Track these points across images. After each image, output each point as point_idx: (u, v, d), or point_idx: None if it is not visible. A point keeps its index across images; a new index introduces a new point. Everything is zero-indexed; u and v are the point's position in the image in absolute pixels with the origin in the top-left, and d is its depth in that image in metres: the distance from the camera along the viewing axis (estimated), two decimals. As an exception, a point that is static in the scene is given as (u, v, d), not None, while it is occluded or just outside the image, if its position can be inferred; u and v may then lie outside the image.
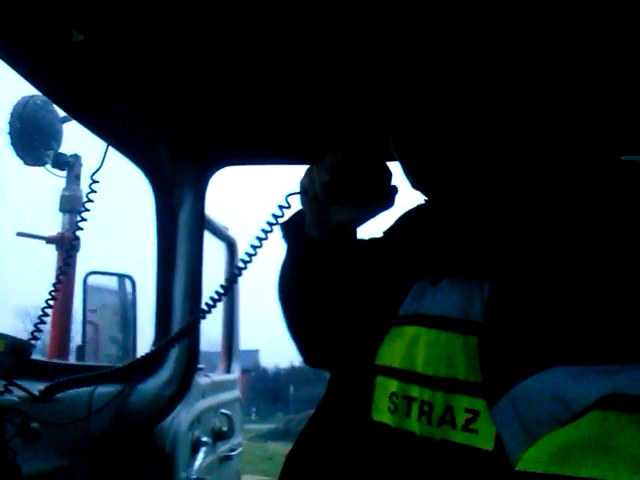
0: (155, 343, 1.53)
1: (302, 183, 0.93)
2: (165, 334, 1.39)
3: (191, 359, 1.43)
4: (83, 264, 3.43)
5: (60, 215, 3.75)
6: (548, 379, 0.59)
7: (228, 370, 2.64)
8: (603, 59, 0.98)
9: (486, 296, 0.70)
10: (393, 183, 0.91)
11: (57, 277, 1.31)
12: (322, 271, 0.95)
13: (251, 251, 0.93)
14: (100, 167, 1.19)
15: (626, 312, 0.59)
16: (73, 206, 3.66)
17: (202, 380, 1.99)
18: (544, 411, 0.58)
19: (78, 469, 1.17)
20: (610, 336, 0.58)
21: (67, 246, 3.53)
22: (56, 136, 3.55)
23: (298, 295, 0.99)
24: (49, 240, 3.73)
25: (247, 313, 2.91)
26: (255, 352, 28.96)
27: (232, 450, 2.23)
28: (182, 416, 1.65)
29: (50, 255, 3.68)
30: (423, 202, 0.93)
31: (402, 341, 0.76)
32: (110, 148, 1.21)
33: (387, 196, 0.91)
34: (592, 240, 0.65)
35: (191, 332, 1.37)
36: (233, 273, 0.95)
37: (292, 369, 31.19)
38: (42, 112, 3.37)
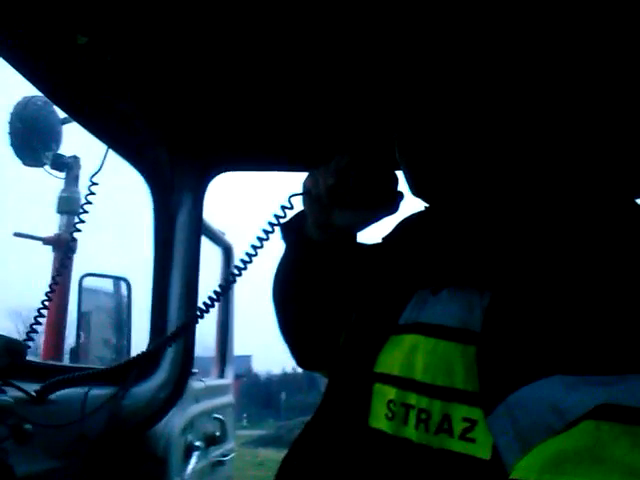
0: (150, 347, 1.52)
1: (306, 184, 0.92)
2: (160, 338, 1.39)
3: (186, 363, 1.43)
4: (79, 266, 3.42)
5: (58, 216, 3.75)
6: (544, 388, 0.59)
7: (222, 375, 2.64)
8: (620, 78, 0.99)
9: (485, 306, 0.70)
10: (399, 189, 0.90)
11: (53, 278, 1.31)
12: (320, 273, 0.95)
13: (251, 251, 0.92)
14: (100, 169, 1.19)
15: (622, 323, 0.59)
16: (71, 208, 3.66)
17: (196, 384, 1.99)
18: (539, 420, 0.58)
19: (71, 471, 1.16)
20: (606, 347, 0.58)
21: (64, 247, 3.52)
22: (56, 137, 3.55)
23: (294, 296, 0.99)
24: (46, 241, 3.72)
25: (240, 319, 2.91)
26: (248, 358, 28.86)
27: (224, 455, 2.22)
28: (175, 420, 1.64)
29: (46, 256, 3.68)
30: (423, 209, 0.93)
31: (401, 349, 0.76)
32: (109, 151, 1.22)
33: (392, 202, 0.90)
34: (590, 252, 0.66)
35: (187, 332, 1.37)
36: (232, 273, 0.95)
37: (284, 376, 31.11)
38: (42, 113, 3.37)
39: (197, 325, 1.43)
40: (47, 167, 3.64)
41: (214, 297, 0.97)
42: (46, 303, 1.17)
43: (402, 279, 0.85)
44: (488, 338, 0.67)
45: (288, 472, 0.85)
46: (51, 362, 1.67)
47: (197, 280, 1.46)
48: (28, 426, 1.02)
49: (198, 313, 0.98)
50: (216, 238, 2.45)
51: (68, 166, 3.71)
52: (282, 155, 1.46)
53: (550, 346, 0.61)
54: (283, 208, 0.91)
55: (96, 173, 1.19)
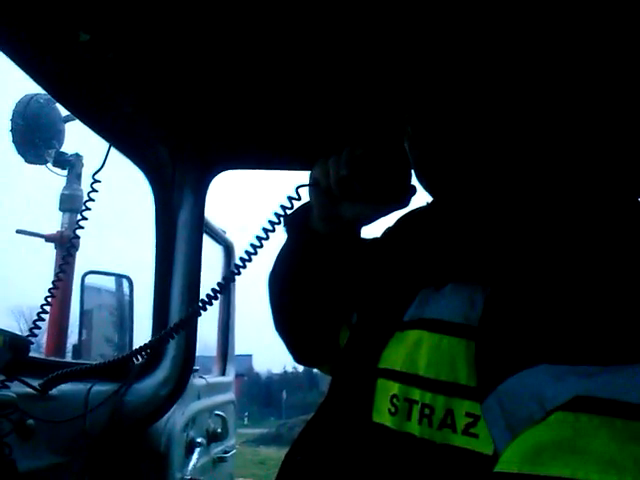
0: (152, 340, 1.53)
1: (314, 175, 0.90)
2: (162, 335, 1.39)
3: (187, 360, 1.43)
4: (81, 263, 3.43)
5: (60, 214, 3.76)
6: (530, 377, 0.59)
7: (223, 373, 2.64)
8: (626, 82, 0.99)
9: None
10: (412, 183, 0.87)
11: (56, 275, 1.32)
12: (321, 265, 0.94)
13: (256, 242, 0.91)
14: (102, 167, 1.20)
15: (613, 316, 0.59)
16: (73, 205, 3.67)
17: (197, 381, 2.00)
18: (524, 409, 0.58)
19: (73, 467, 1.17)
20: (594, 338, 0.58)
21: (66, 245, 3.53)
22: (58, 135, 3.56)
23: (293, 287, 0.98)
24: (48, 238, 3.73)
25: (241, 319, 2.91)
26: (249, 357, 28.87)
27: (226, 452, 2.24)
28: (177, 416, 1.65)
29: (48, 254, 3.69)
30: (424, 205, 0.92)
31: (405, 345, 0.76)
32: (111, 149, 1.22)
33: (405, 195, 0.87)
34: (590, 245, 0.66)
35: (188, 328, 1.37)
36: (236, 265, 0.94)
37: (285, 375, 31.15)
38: (45, 110, 3.38)
39: (198, 325, 1.45)
40: (49, 165, 3.65)
41: (217, 289, 0.97)
42: (49, 300, 1.18)
43: (406, 275, 0.84)
44: (484, 331, 0.68)
45: (291, 467, 0.85)
46: (53, 358, 1.67)
47: (199, 278, 1.46)
48: (31, 421, 1.03)
49: (200, 304, 0.98)
50: (217, 236, 2.46)
51: (70, 164, 3.72)
52: (284, 153, 1.46)
53: (540, 335, 0.61)
54: (290, 199, 0.89)
55: (98, 171, 1.20)
